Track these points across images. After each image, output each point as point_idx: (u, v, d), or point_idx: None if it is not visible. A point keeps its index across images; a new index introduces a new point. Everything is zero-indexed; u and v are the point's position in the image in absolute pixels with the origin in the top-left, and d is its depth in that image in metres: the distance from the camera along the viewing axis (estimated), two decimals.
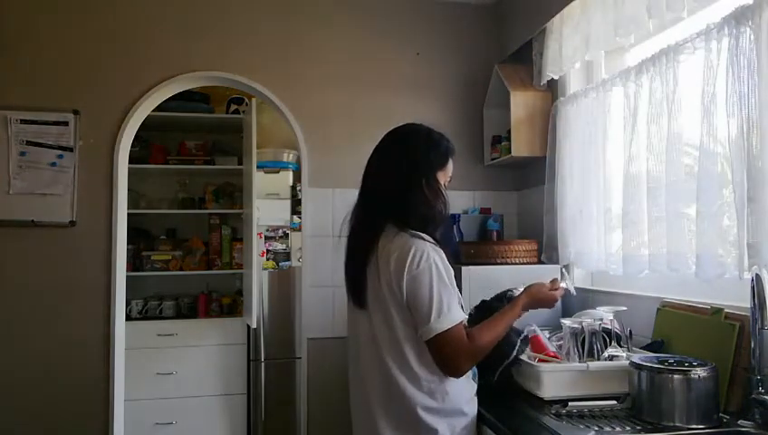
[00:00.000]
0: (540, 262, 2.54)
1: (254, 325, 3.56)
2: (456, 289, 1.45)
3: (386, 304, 1.44)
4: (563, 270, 1.97)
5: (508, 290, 1.77)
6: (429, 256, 1.42)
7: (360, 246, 1.52)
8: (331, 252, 2.83)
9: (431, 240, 1.46)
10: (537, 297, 1.62)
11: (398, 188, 1.52)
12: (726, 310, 1.59)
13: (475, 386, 1.57)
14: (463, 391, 1.49)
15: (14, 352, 2.55)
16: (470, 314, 1.74)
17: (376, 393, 1.47)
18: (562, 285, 1.69)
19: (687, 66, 1.75)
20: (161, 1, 2.77)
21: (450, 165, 1.65)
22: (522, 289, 1.68)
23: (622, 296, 2.12)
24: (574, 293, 1.79)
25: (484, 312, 1.69)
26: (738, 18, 1.52)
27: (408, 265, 1.40)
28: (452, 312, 1.39)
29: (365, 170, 1.62)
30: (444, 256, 1.46)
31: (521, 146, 2.63)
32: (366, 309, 1.49)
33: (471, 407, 1.52)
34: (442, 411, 1.43)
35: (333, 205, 2.86)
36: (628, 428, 1.40)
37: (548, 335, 1.91)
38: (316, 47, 2.88)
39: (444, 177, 1.61)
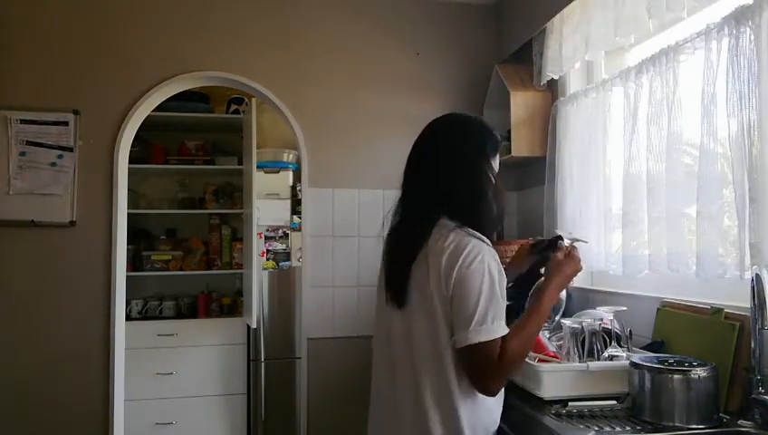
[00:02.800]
0: None
1: (254, 325, 3.56)
2: (505, 300, 1.31)
3: (432, 302, 1.30)
4: (557, 231, 1.73)
5: (557, 237, 1.57)
6: (485, 259, 1.30)
7: (409, 240, 1.37)
8: (330, 252, 2.83)
9: (488, 242, 1.35)
10: (561, 278, 1.46)
11: (462, 182, 1.41)
12: (726, 310, 1.59)
13: (500, 408, 1.41)
14: (490, 412, 1.36)
15: (14, 352, 2.55)
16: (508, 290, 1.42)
17: (407, 397, 1.33)
18: (566, 243, 1.53)
19: (687, 66, 1.75)
20: (161, 1, 2.77)
21: (498, 159, 1.53)
22: (565, 241, 1.53)
23: (622, 296, 2.12)
24: (586, 241, 1.64)
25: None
26: (738, 18, 1.52)
27: (460, 262, 1.28)
28: (495, 324, 1.25)
29: (414, 161, 1.49)
30: (499, 261, 1.35)
31: (521, 146, 2.63)
32: (404, 308, 1.35)
33: (494, 428, 1.38)
34: (468, 428, 1.30)
35: (333, 205, 2.86)
36: (628, 428, 1.40)
37: (548, 335, 1.91)
38: (316, 47, 2.88)
39: (495, 171, 1.49)
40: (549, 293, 1.42)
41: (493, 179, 1.44)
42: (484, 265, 1.28)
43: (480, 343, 1.24)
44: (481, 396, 1.30)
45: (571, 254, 1.49)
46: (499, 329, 1.26)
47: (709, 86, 1.62)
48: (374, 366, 1.46)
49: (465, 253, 1.29)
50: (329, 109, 2.88)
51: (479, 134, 1.52)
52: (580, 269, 1.49)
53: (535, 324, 1.36)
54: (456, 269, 1.28)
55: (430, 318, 1.30)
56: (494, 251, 1.34)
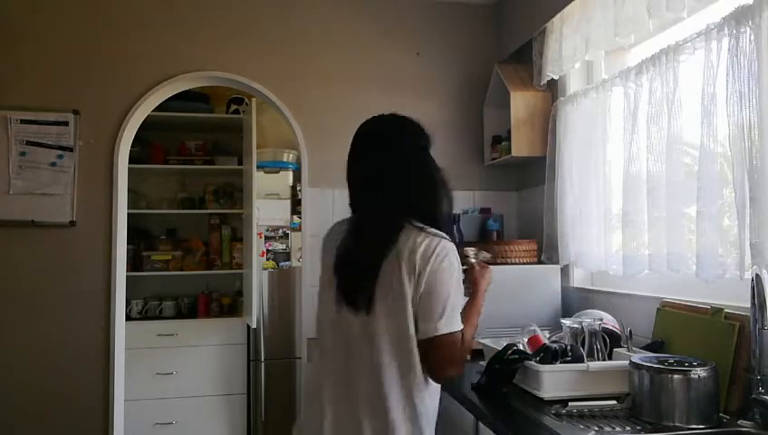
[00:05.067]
0: (540, 262, 2.54)
1: (254, 325, 3.56)
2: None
3: (404, 300, 1.32)
4: (467, 249, 1.74)
5: (512, 345, 1.76)
6: (452, 257, 1.36)
7: (377, 247, 1.36)
8: None
9: (450, 240, 1.39)
10: (485, 285, 1.61)
11: (421, 185, 1.45)
12: (726, 310, 1.59)
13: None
14: (437, 397, 1.42)
15: (14, 352, 2.55)
16: (479, 383, 1.75)
17: (365, 396, 1.33)
18: (472, 261, 1.64)
19: (687, 66, 1.75)
20: (161, 1, 2.77)
21: None
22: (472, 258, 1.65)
23: (622, 296, 2.12)
24: (489, 255, 1.79)
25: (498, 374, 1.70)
26: (738, 18, 1.52)
27: (432, 261, 1.33)
28: (457, 316, 1.34)
29: (369, 166, 1.49)
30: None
31: (521, 146, 2.63)
32: (365, 311, 1.34)
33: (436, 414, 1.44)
34: (424, 418, 1.35)
35: (333, 205, 2.86)
36: (628, 428, 1.40)
37: (548, 335, 1.92)
38: (316, 47, 2.88)
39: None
40: (480, 297, 1.55)
41: (441, 178, 1.49)
42: (452, 263, 1.36)
43: (449, 333, 1.32)
44: (433, 384, 1.37)
45: (484, 267, 1.64)
46: (460, 321, 1.36)
47: (709, 86, 1.62)
48: (318, 368, 1.44)
49: (436, 252, 1.34)
50: (329, 109, 2.88)
51: (423, 135, 1.52)
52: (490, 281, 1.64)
53: (477, 320, 1.48)
54: (429, 268, 1.32)
55: (399, 315, 1.32)
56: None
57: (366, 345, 1.34)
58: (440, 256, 1.34)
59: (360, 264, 1.37)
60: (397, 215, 1.39)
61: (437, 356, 1.32)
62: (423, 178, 1.45)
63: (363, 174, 1.48)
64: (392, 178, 1.43)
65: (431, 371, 1.34)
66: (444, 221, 1.43)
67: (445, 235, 1.38)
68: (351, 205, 1.52)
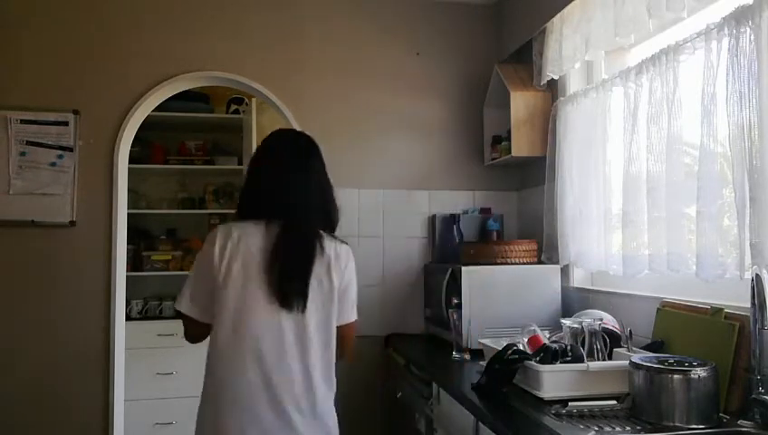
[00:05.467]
0: (540, 262, 2.55)
1: None
2: None
3: (332, 295, 1.55)
4: None
5: (512, 345, 1.76)
6: (352, 257, 1.64)
7: (307, 253, 1.53)
8: None
9: None
10: None
11: (321, 197, 1.63)
12: (726, 310, 1.59)
13: None
14: None
15: (14, 352, 2.55)
16: (479, 383, 1.76)
17: (295, 385, 1.48)
18: None
19: (687, 66, 1.75)
20: (161, 1, 2.77)
21: None
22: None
23: (622, 296, 2.12)
24: None
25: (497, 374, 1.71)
26: (738, 18, 1.52)
27: (346, 262, 1.60)
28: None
29: (286, 179, 1.59)
30: None
31: (521, 146, 2.63)
32: (300, 310, 1.49)
33: None
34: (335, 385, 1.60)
35: None
36: (628, 428, 1.40)
37: (548, 335, 1.92)
38: (316, 47, 2.88)
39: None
40: None
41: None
42: (353, 262, 1.64)
43: (355, 320, 1.63)
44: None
45: None
46: None
47: (709, 86, 1.62)
48: (253, 361, 1.48)
49: (348, 255, 1.62)
50: (328, 109, 2.88)
51: (319, 151, 1.71)
52: None
53: None
54: (345, 267, 1.59)
55: (326, 308, 1.54)
56: None
57: (300, 333, 1.50)
58: (350, 259, 1.63)
59: (298, 271, 1.51)
60: (313, 223, 1.59)
61: (350, 337, 1.64)
62: (332, 194, 1.67)
63: (290, 188, 1.58)
64: (316, 195, 1.62)
65: (343, 350, 1.61)
66: (336, 227, 1.68)
67: (342, 239, 1.65)
68: (263, 208, 1.59)
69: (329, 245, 1.57)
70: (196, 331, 1.63)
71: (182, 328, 1.67)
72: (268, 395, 1.46)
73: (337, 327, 1.56)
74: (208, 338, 1.60)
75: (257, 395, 1.47)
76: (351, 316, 1.61)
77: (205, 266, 1.53)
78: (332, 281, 1.54)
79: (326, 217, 1.63)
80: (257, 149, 1.73)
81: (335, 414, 1.61)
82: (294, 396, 1.47)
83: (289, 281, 1.49)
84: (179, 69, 2.74)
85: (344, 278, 1.58)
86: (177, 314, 1.63)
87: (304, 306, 1.49)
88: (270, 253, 1.51)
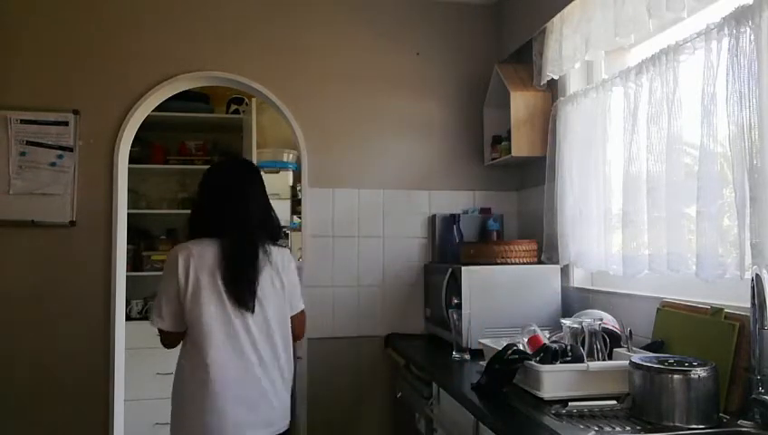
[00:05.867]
0: (540, 262, 2.55)
1: None
2: None
3: (283, 292, 1.90)
4: None
5: (512, 345, 1.76)
6: (293, 259, 2.02)
7: (254, 262, 1.83)
8: (331, 252, 2.83)
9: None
10: None
11: (265, 211, 1.98)
12: (726, 310, 1.59)
13: None
14: None
15: (14, 352, 2.55)
16: (479, 383, 1.76)
17: (261, 368, 1.82)
18: None
19: (687, 66, 1.75)
20: (161, 1, 2.77)
21: None
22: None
23: (622, 296, 2.12)
24: None
25: (498, 374, 1.71)
26: (738, 18, 1.52)
27: (290, 264, 1.95)
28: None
29: (236, 199, 1.90)
30: None
31: (521, 146, 2.63)
32: (251, 309, 1.81)
33: None
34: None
35: (333, 205, 2.86)
36: (628, 428, 1.40)
37: (548, 335, 1.92)
38: (316, 47, 2.88)
39: None
40: None
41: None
42: (294, 264, 2.00)
43: (303, 307, 2.01)
44: None
45: None
46: None
47: (709, 86, 1.62)
48: (218, 343, 1.78)
49: (289, 258, 1.98)
50: (329, 108, 2.88)
51: (259, 174, 2.08)
52: None
53: None
54: (290, 269, 1.95)
55: (279, 301, 1.88)
56: None
57: (263, 324, 1.83)
58: (292, 261, 1.99)
59: (247, 276, 1.81)
60: (259, 236, 1.89)
61: (301, 321, 2.03)
62: (270, 211, 2.02)
63: (233, 211, 1.88)
64: (257, 214, 1.93)
65: (296, 333, 1.99)
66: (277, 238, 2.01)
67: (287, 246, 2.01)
68: (212, 227, 1.87)
69: (275, 252, 1.91)
70: (169, 340, 1.90)
71: None
72: (236, 372, 1.79)
73: (291, 316, 1.94)
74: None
75: (226, 371, 1.78)
76: (300, 306, 1.99)
77: (172, 286, 1.80)
78: (282, 281, 1.90)
79: (268, 230, 1.95)
80: (204, 178, 1.97)
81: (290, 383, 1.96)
82: (260, 375, 1.82)
83: (241, 286, 1.80)
84: (179, 69, 2.74)
85: (290, 277, 1.94)
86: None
87: (254, 306, 1.81)
88: (224, 265, 1.80)
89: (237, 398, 1.78)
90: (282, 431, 1.89)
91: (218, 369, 1.76)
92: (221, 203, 1.89)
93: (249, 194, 1.94)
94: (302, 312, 2.01)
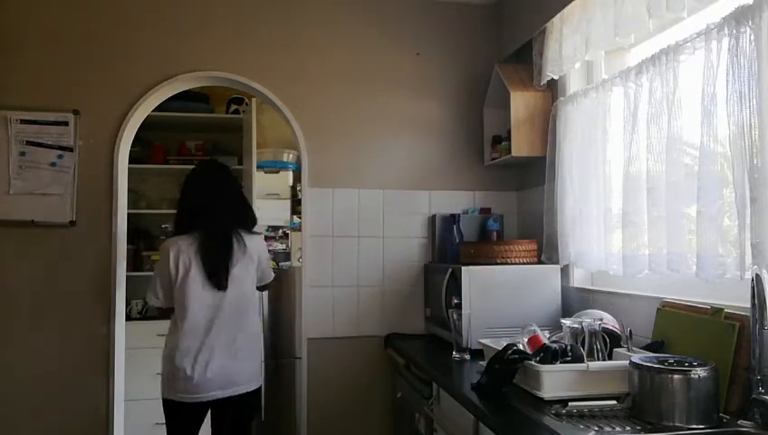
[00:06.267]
0: (540, 262, 2.55)
1: None
2: None
3: (253, 274, 2.34)
4: None
5: (512, 345, 1.76)
6: (262, 240, 2.52)
7: (230, 247, 2.26)
8: (330, 252, 2.83)
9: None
10: None
11: (241, 205, 2.41)
12: (726, 310, 1.59)
13: None
14: None
15: (13, 352, 2.55)
16: (479, 383, 1.76)
17: (236, 334, 2.25)
18: None
19: (687, 66, 1.75)
20: (162, 1, 2.77)
21: None
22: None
23: (622, 296, 2.12)
24: None
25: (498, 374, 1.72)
26: (738, 18, 1.52)
27: (262, 247, 2.44)
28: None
29: (213, 196, 2.31)
30: None
31: (521, 146, 2.63)
32: (226, 288, 2.23)
33: None
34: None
35: (333, 205, 2.86)
36: (628, 428, 1.40)
37: (548, 335, 1.92)
38: (316, 47, 2.88)
39: None
40: None
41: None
42: (264, 244, 2.53)
43: (273, 275, 2.53)
44: None
45: None
46: None
47: (709, 86, 1.62)
48: (196, 315, 2.21)
49: (260, 240, 2.45)
50: (329, 108, 2.88)
51: (231, 173, 2.47)
52: None
53: None
54: (261, 251, 2.43)
55: (249, 281, 2.33)
56: None
57: (235, 298, 2.26)
58: (263, 244, 2.50)
59: (222, 263, 2.24)
60: (234, 225, 2.33)
61: (271, 286, 2.59)
62: (245, 204, 2.45)
63: (217, 205, 2.30)
64: (231, 208, 2.34)
65: (267, 288, 2.60)
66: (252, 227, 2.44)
67: (257, 232, 2.45)
68: (192, 224, 2.29)
69: (248, 239, 2.34)
70: (162, 311, 2.36)
71: None
72: (211, 334, 2.22)
73: (262, 286, 2.46)
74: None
75: (202, 333, 2.22)
76: (270, 275, 2.50)
77: (164, 272, 2.25)
78: (254, 261, 2.33)
79: (243, 221, 2.38)
80: (184, 183, 2.37)
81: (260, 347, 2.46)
82: (229, 340, 2.24)
83: (217, 271, 2.23)
84: (179, 69, 2.74)
85: (261, 259, 2.40)
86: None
87: (227, 286, 2.23)
88: (204, 254, 2.23)
89: (204, 360, 2.18)
90: (246, 392, 2.26)
91: (192, 335, 2.20)
92: (197, 204, 2.30)
93: (220, 194, 2.32)
94: (273, 279, 2.54)
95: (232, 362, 2.21)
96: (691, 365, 1.43)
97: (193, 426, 2.27)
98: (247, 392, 2.26)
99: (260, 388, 2.36)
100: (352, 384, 2.83)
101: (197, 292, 2.21)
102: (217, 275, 2.22)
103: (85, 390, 2.59)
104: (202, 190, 2.32)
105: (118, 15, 2.72)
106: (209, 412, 2.27)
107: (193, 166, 2.51)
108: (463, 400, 1.75)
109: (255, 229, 2.46)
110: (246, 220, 2.40)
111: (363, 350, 2.85)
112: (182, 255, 2.22)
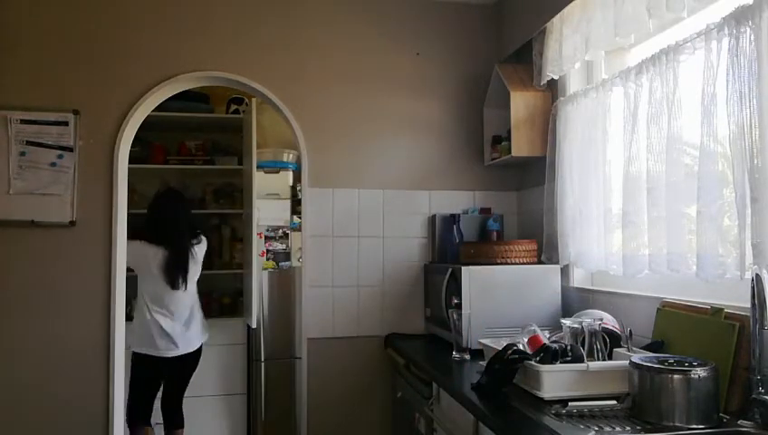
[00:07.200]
0: (540, 262, 2.55)
1: (254, 325, 3.56)
2: None
3: (198, 273, 3.22)
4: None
5: (512, 345, 1.76)
6: (204, 243, 3.31)
7: (184, 261, 3.10)
8: (330, 252, 2.83)
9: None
10: None
11: (190, 223, 3.22)
12: (726, 310, 1.59)
13: None
14: None
15: (13, 352, 2.55)
16: (479, 383, 1.77)
17: (198, 313, 3.24)
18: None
19: (687, 66, 1.75)
20: (162, 1, 2.77)
21: None
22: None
23: (622, 296, 2.13)
24: None
25: (498, 373, 1.72)
26: (738, 18, 1.52)
27: (202, 249, 3.27)
28: None
29: (170, 214, 3.15)
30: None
31: (521, 146, 2.63)
32: (181, 288, 3.08)
33: None
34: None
35: (333, 205, 2.86)
36: (628, 428, 1.40)
37: (548, 335, 1.92)
38: (316, 47, 2.88)
39: None
40: None
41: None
42: (205, 246, 3.31)
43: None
44: None
45: None
46: None
47: (709, 86, 1.62)
48: (155, 305, 3.08)
49: (203, 244, 3.28)
50: (329, 109, 2.88)
51: (184, 197, 3.37)
52: None
53: None
54: (202, 252, 3.26)
55: (195, 279, 3.20)
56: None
57: (188, 294, 3.16)
58: (203, 246, 3.29)
59: (180, 269, 3.08)
60: (190, 239, 3.18)
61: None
62: (192, 221, 3.28)
63: (175, 222, 3.13)
64: (185, 225, 3.17)
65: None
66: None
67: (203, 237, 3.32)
68: (156, 236, 3.09)
69: (196, 247, 3.20)
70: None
71: None
72: (179, 317, 3.12)
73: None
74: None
75: (164, 319, 3.08)
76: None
77: (133, 259, 2.97)
78: (198, 265, 3.21)
79: (192, 235, 3.20)
80: (152, 202, 3.20)
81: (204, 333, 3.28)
82: (181, 324, 3.12)
83: (176, 274, 3.06)
84: (179, 69, 2.74)
85: (202, 257, 3.26)
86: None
87: (186, 286, 3.10)
88: (165, 261, 3.04)
89: (164, 333, 3.05)
90: (188, 352, 3.13)
91: (156, 320, 3.04)
92: (159, 222, 3.07)
93: (175, 215, 3.13)
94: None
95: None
96: (691, 365, 1.43)
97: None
98: None
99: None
100: (352, 384, 2.83)
101: (156, 289, 3.12)
102: (176, 279, 3.07)
103: (85, 390, 2.59)
104: (162, 212, 3.13)
105: (118, 15, 2.72)
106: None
107: (156, 192, 3.28)
108: (463, 400, 1.75)
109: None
110: (194, 233, 3.23)
111: (363, 350, 2.85)
112: (150, 255, 3.06)
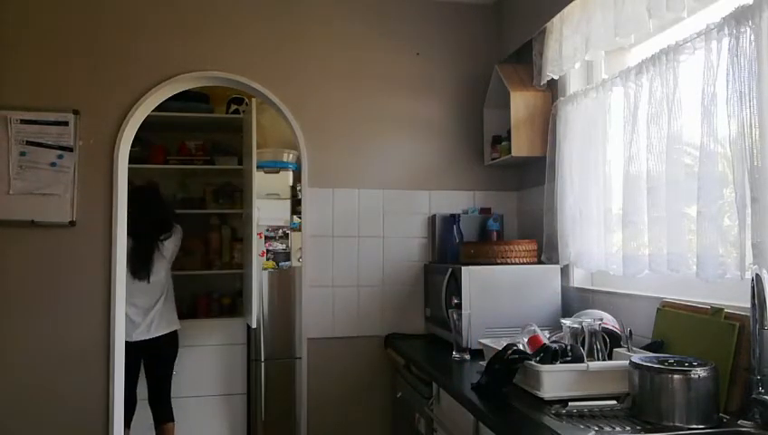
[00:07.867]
0: (540, 262, 2.55)
1: (254, 325, 3.56)
2: None
3: (167, 265, 3.40)
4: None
5: (512, 345, 1.76)
6: (176, 236, 3.48)
7: (150, 247, 3.32)
8: (330, 252, 2.83)
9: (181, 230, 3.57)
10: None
11: (161, 218, 3.43)
12: (726, 310, 1.59)
13: None
14: None
15: (13, 352, 2.55)
16: (479, 383, 1.77)
17: (163, 305, 3.35)
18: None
19: (687, 66, 1.75)
20: (161, 1, 2.77)
21: None
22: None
23: (622, 296, 2.13)
24: None
25: (498, 373, 1.72)
26: (738, 18, 1.52)
27: (173, 242, 3.44)
28: None
29: (146, 209, 3.35)
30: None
31: (521, 146, 2.63)
32: (145, 279, 3.29)
33: None
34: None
35: (333, 205, 2.86)
36: (628, 428, 1.40)
37: (548, 335, 1.92)
38: (316, 47, 2.88)
39: None
40: None
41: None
42: (177, 237, 3.49)
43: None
44: None
45: None
46: None
47: (709, 86, 1.62)
48: (130, 296, 3.02)
49: (175, 238, 3.44)
50: (329, 109, 2.88)
51: (158, 192, 3.56)
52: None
53: None
54: (173, 245, 3.43)
55: (164, 270, 3.38)
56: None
57: (159, 285, 3.36)
58: (175, 239, 3.46)
59: (145, 262, 3.30)
60: (161, 233, 3.39)
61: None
62: (167, 214, 3.49)
63: (149, 218, 3.35)
64: (156, 219, 3.40)
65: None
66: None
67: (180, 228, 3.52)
68: (133, 232, 3.01)
69: (166, 241, 3.38)
70: None
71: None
72: (141, 306, 3.29)
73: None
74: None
75: (128, 307, 3.06)
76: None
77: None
78: (166, 258, 3.39)
79: (164, 228, 3.40)
80: (129, 199, 2.87)
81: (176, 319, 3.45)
82: (143, 314, 3.29)
83: (139, 266, 3.26)
84: (179, 69, 2.74)
85: (172, 250, 3.44)
86: None
87: (149, 278, 3.29)
88: (133, 253, 3.17)
89: (137, 319, 3.25)
90: (153, 337, 3.29)
91: (129, 306, 3.10)
92: (129, 216, 2.82)
93: (145, 211, 3.31)
94: None
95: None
96: (691, 365, 1.43)
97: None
98: None
99: None
100: (352, 384, 2.83)
101: (127, 278, 3.03)
102: (142, 270, 3.28)
103: (85, 390, 2.59)
104: (134, 208, 3.05)
105: (118, 15, 2.72)
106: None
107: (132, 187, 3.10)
108: (463, 400, 1.75)
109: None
110: (165, 228, 3.40)
111: (363, 350, 2.85)
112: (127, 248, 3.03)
